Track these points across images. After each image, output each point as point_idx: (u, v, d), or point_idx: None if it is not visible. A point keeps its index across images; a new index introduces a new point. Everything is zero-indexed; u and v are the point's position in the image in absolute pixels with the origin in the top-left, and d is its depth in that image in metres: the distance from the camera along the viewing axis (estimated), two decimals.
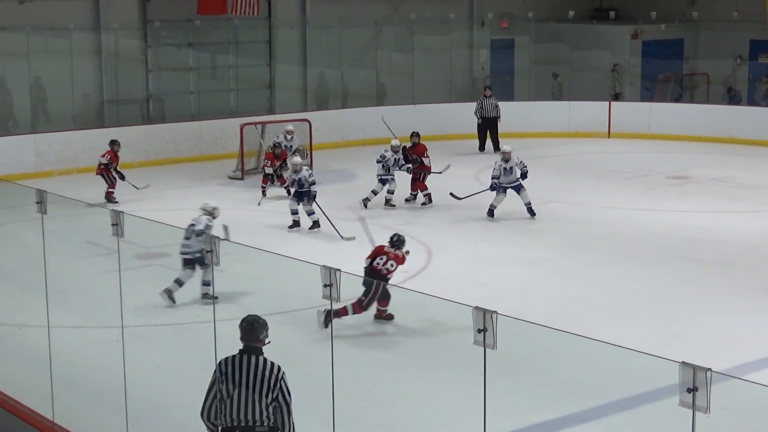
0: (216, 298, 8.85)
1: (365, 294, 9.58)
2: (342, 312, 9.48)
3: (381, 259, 9.82)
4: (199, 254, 10.29)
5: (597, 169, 18.95)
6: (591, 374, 8.18)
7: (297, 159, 14.40)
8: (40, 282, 7.70)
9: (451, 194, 15.25)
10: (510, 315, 4.75)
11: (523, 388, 8.09)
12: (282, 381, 5.43)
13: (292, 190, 14.31)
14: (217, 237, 6.24)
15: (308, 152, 17.93)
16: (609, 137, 22.50)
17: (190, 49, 21.75)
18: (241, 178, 18.26)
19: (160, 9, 21.05)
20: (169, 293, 10.40)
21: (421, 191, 15.82)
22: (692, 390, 3.95)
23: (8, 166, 17.85)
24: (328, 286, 5.27)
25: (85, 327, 9.91)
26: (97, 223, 9.48)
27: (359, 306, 9.59)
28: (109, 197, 16.13)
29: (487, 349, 4.62)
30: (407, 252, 10.13)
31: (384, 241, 10.11)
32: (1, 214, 14.62)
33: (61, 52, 20.04)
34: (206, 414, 5.55)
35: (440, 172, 16.00)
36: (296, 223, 14.20)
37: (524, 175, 14.54)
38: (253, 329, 5.50)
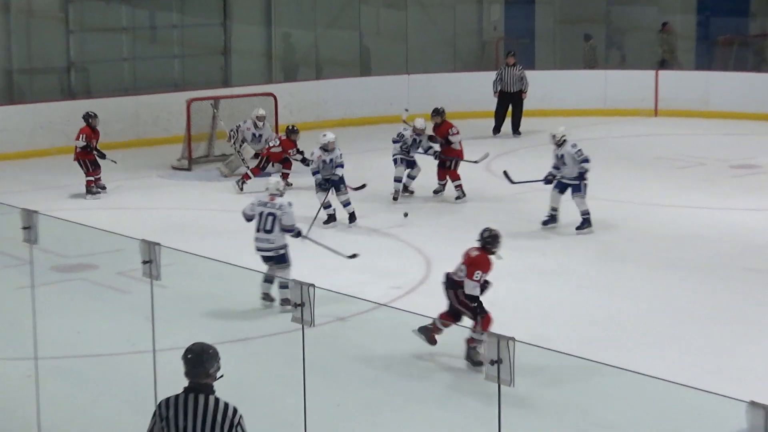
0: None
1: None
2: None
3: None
4: (283, 250, 10.92)
5: (640, 157, 18.97)
6: (631, 415, 8.18)
7: (331, 135, 14.41)
8: None
9: (505, 173, 14.98)
10: (530, 342, 4.75)
11: None
12: (239, 427, 5.42)
13: (319, 178, 14.28)
14: (157, 243, 6.22)
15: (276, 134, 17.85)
16: (655, 115, 22.56)
17: (123, 5, 21.71)
18: (188, 168, 18.23)
19: None
20: (285, 301, 10.59)
21: (452, 181, 15.70)
22: None
23: None
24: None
25: None
26: (4, 226, 9.42)
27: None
28: (92, 186, 16.05)
29: (502, 386, 4.61)
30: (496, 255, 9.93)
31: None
32: None
33: None
34: None
35: (476, 161, 16.04)
36: (332, 217, 14.35)
37: (582, 175, 14.03)
38: (201, 362, 5.48)
